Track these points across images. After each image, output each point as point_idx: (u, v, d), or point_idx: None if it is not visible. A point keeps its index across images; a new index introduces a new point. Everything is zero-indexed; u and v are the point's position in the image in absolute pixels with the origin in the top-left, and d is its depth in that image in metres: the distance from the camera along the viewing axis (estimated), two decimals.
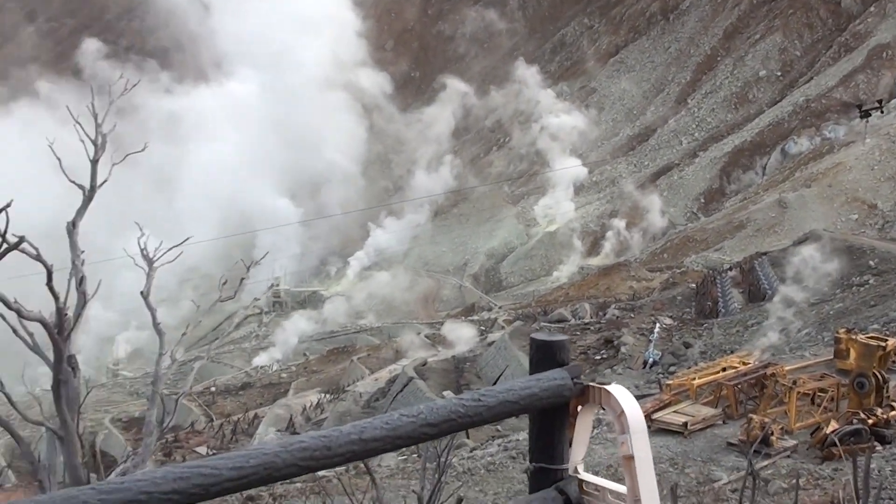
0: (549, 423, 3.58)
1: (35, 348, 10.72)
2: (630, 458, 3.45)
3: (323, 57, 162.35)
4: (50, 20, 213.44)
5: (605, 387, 3.52)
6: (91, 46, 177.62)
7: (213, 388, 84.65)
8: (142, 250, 12.20)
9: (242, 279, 13.93)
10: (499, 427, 38.29)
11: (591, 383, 3.55)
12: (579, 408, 3.60)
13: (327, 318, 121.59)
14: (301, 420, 67.36)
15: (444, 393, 55.46)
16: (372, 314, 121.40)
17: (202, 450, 59.64)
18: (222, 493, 2.88)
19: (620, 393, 3.50)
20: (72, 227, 11.31)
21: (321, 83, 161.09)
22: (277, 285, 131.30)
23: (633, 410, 3.46)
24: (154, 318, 12.33)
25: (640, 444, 3.46)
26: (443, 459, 13.12)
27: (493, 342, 67.00)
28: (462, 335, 75.81)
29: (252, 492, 26.57)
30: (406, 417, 3.16)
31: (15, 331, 10.39)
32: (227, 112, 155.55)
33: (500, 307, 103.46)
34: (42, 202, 60.17)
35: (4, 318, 10.18)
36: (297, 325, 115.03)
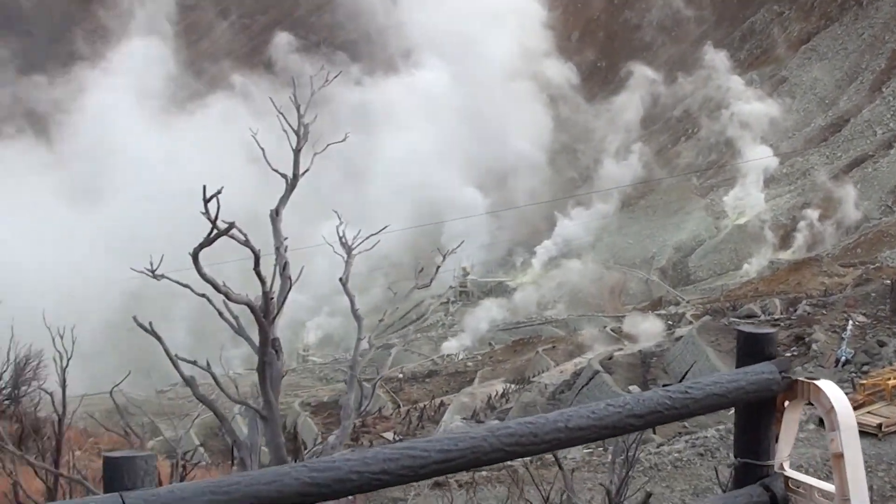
0: (756, 418, 3.53)
1: (240, 331, 11.12)
2: (839, 455, 3.38)
3: (510, 48, 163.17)
4: (242, 16, 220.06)
5: (815, 382, 3.44)
6: (283, 40, 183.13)
7: (400, 375, 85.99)
8: (340, 238, 12.52)
9: (438, 267, 14.13)
10: (686, 423, 37.77)
11: (800, 378, 3.47)
12: (786, 403, 3.53)
13: (517, 306, 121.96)
14: (485, 409, 67.79)
15: (631, 387, 54.99)
16: (561, 304, 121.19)
17: (389, 435, 60.62)
18: (430, 475, 2.95)
19: (830, 388, 3.42)
20: (275, 214, 11.69)
21: (508, 74, 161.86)
22: (468, 274, 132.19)
23: (843, 407, 3.38)
24: (353, 304, 12.63)
25: (851, 442, 3.37)
26: (630, 454, 13.03)
27: (681, 337, 65.98)
28: (646, 329, 75.02)
29: (440, 478, 26.94)
30: (612, 407, 3.16)
31: (221, 314, 10.79)
32: (415, 102, 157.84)
33: (687, 301, 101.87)
34: (237, 190, 62.08)
35: (211, 302, 10.57)
36: (489, 313, 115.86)
